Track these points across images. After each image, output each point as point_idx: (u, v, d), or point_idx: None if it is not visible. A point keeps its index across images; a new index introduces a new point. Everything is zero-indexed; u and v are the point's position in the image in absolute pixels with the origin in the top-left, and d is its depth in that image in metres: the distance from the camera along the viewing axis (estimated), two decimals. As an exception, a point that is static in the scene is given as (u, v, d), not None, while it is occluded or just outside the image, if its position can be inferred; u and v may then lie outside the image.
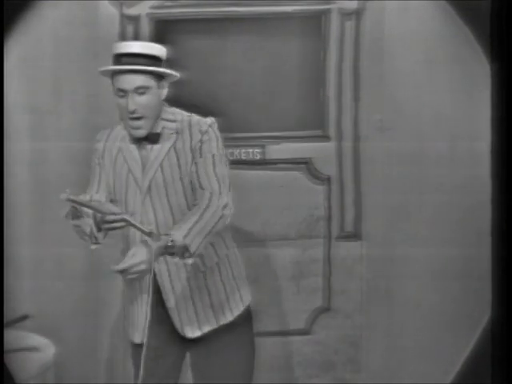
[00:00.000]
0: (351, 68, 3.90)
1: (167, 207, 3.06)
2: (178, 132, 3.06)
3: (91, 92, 3.81)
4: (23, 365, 3.35)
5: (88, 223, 2.91)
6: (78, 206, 2.85)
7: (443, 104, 3.90)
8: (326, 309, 4.05)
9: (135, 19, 3.80)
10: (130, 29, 3.79)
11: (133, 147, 3.08)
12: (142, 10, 3.80)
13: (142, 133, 3.03)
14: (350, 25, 3.88)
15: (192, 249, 2.87)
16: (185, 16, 3.80)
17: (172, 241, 2.85)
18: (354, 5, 3.87)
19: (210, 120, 3.07)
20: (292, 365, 4.06)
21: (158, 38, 3.70)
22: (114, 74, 3.01)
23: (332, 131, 3.96)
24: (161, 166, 3.05)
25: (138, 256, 2.82)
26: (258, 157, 3.92)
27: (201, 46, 3.83)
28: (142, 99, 2.99)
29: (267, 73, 3.90)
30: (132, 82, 2.97)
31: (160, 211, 3.06)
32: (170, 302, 3.10)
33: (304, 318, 4.05)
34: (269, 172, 3.90)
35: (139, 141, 3.07)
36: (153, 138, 3.05)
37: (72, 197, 2.80)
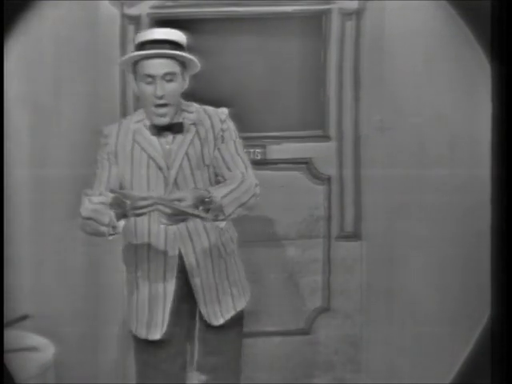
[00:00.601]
0: (351, 68, 3.90)
1: None
2: (195, 123, 3.13)
3: (91, 92, 3.81)
4: (23, 365, 3.34)
5: (106, 213, 2.91)
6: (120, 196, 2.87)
7: (443, 104, 3.90)
8: (325, 309, 4.05)
9: (136, 19, 3.79)
10: (130, 29, 3.78)
11: (153, 139, 3.11)
12: (142, 9, 3.80)
13: (165, 121, 3.07)
14: (350, 25, 3.87)
15: (226, 211, 2.94)
16: (185, 16, 3.80)
17: (210, 197, 2.91)
18: (354, 5, 3.87)
19: (226, 110, 3.17)
20: (292, 365, 4.07)
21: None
22: (139, 61, 3.03)
23: (332, 131, 3.96)
24: (186, 154, 3.10)
25: (188, 201, 2.86)
26: (259, 157, 3.92)
27: (201, 46, 3.81)
28: (170, 86, 3.03)
29: (267, 73, 3.90)
30: (160, 67, 3.01)
31: None
32: (198, 289, 3.15)
33: (304, 318, 4.05)
34: (269, 172, 3.90)
35: (160, 132, 3.10)
36: (176, 128, 3.11)
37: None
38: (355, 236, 4.03)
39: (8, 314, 3.29)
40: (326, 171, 3.98)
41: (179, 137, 3.10)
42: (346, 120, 3.95)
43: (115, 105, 3.84)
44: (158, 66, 3.01)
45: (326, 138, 3.97)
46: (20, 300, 3.69)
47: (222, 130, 3.13)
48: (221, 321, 3.19)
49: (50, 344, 3.52)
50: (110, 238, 2.96)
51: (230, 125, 3.16)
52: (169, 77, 3.02)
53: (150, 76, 3.01)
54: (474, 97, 3.84)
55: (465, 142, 3.92)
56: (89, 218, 2.96)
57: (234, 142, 3.15)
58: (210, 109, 3.17)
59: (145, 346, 3.21)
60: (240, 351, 3.32)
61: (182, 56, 3.04)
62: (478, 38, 3.58)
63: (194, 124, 3.12)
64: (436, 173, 3.93)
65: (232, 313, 3.21)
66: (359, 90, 3.93)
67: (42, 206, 3.79)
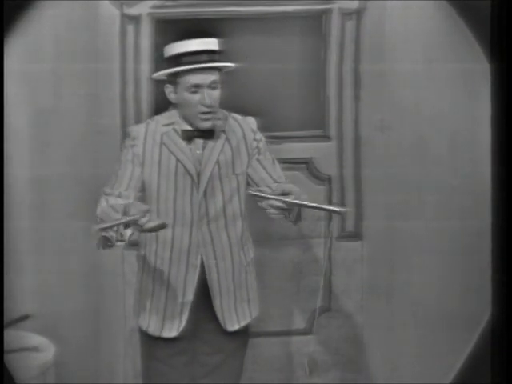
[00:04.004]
0: (352, 68, 3.90)
1: (220, 203, 3.14)
2: (225, 129, 3.16)
3: (91, 92, 3.81)
4: (23, 365, 3.35)
5: (115, 218, 2.88)
6: (108, 234, 2.84)
7: (443, 104, 3.91)
8: (326, 309, 4.05)
9: (136, 19, 3.79)
10: (130, 29, 3.78)
11: (183, 143, 3.12)
12: (142, 9, 3.80)
13: (210, 124, 3.09)
14: (350, 24, 3.88)
15: (301, 216, 3.04)
16: (185, 16, 3.80)
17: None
18: (354, 4, 3.87)
19: (253, 119, 3.22)
20: (292, 365, 4.06)
21: (158, 38, 3.71)
22: (182, 72, 3.05)
23: (333, 131, 3.96)
24: (217, 161, 3.12)
25: (295, 193, 2.94)
26: (259, 156, 3.92)
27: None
28: (215, 93, 3.08)
29: (268, 73, 3.90)
30: (207, 76, 3.05)
31: (212, 207, 3.13)
32: (216, 296, 3.17)
33: (304, 318, 4.05)
34: (269, 172, 3.90)
35: (190, 137, 3.11)
36: (207, 135, 3.12)
37: (102, 225, 2.81)
38: (356, 236, 4.03)
39: (8, 314, 3.29)
40: (326, 171, 3.98)
41: (210, 143, 3.12)
42: (346, 120, 3.95)
43: (115, 105, 3.84)
44: (205, 76, 3.05)
45: (326, 137, 3.97)
46: (20, 300, 3.69)
47: (256, 141, 3.19)
48: (236, 327, 3.22)
49: (50, 344, 3.52)
50: (118, 244, 2.92)
51: (260, 135, 3.21)
52: (214, 84, 3.07)
53: (197, 86, 3.04)
54: (474, 97, 3.85)
55: (465, 142, 3.92)
56: (100, 219, 2.96)
57: (269, 153, 3.22)
58: (238, 117, 3.21)
59: (152, 340, 3.22)
60: (244, 353, 3.35)
61: (228, 66, 3.13)
62: (478, 38, 3.58)
63: (223, 131, 3.15)
64: (436, 172, 3.94)
65: (248, 320, 3.26)
66: (359, 90, 3.93)
67: (42, 206, 3.79)
